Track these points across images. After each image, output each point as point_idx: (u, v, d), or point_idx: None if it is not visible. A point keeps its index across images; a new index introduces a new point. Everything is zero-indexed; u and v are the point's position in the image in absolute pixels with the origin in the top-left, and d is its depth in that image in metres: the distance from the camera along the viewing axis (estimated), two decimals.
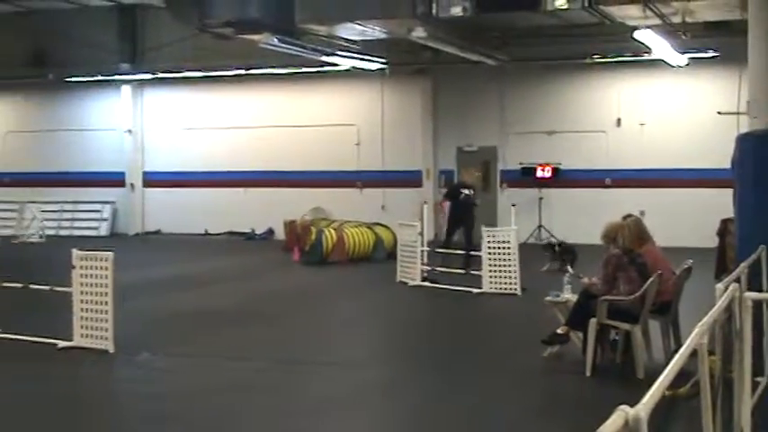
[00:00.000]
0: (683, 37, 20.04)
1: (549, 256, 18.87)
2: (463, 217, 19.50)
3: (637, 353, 9.75)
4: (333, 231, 21.86)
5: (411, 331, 13.78)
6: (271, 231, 28.08)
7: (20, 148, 31.19)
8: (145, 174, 30.30)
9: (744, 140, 10.13)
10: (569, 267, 15.80)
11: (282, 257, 22.85)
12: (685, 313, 10.41)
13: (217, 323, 13.78)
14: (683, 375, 4.86)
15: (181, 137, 29.74)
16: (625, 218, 11.13)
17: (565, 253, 18.65)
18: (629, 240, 10.24)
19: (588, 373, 9.77)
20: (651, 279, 9.82)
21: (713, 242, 16.67)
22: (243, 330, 13.21)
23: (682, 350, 4.45)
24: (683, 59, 22.82)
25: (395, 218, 21.46)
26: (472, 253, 18.08)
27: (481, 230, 16.58)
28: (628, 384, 9.30)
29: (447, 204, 20.16)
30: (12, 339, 11.68)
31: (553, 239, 21.75)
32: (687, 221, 23.16)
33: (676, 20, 18.54)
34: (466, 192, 19.94)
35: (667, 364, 4.08)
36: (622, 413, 3.13)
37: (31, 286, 12.32)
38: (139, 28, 29.33)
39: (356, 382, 10.12)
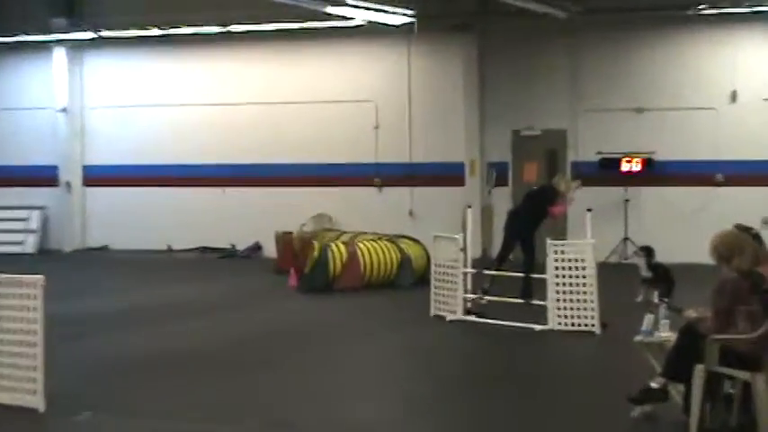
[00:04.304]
0: None
1: (645, 260, 18.54)
2: (521, 228, 19.46)
3: (760, 410, 9.71)
4: (342, 247, 21.96)
5: (448, 386, 13.72)
6: (257, 247, 28.25)
7: None
8: (86, 168, 30.56)
9: None
10: (663, 295, 15.75)
11: (274, 282, 22.99)
12: None
13: (181, 373, 13.84)
14: None
15: (134, 119, 29.93)
16: (741, 231, 10.93)
17: (657, 269, 18.48)
18: (749, 261, 10.05)
19: None
20: None
21: None
22: (217, 383, 13.23)
23: None
24: None
25: (427, 228, 21.47)
26: (534, 276, 18.08)
27: (546, 245, 16.60)
28: None
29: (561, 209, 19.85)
30: None
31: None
32: None
33: None
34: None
35: None
36: None
37: None
38: None
39: None
